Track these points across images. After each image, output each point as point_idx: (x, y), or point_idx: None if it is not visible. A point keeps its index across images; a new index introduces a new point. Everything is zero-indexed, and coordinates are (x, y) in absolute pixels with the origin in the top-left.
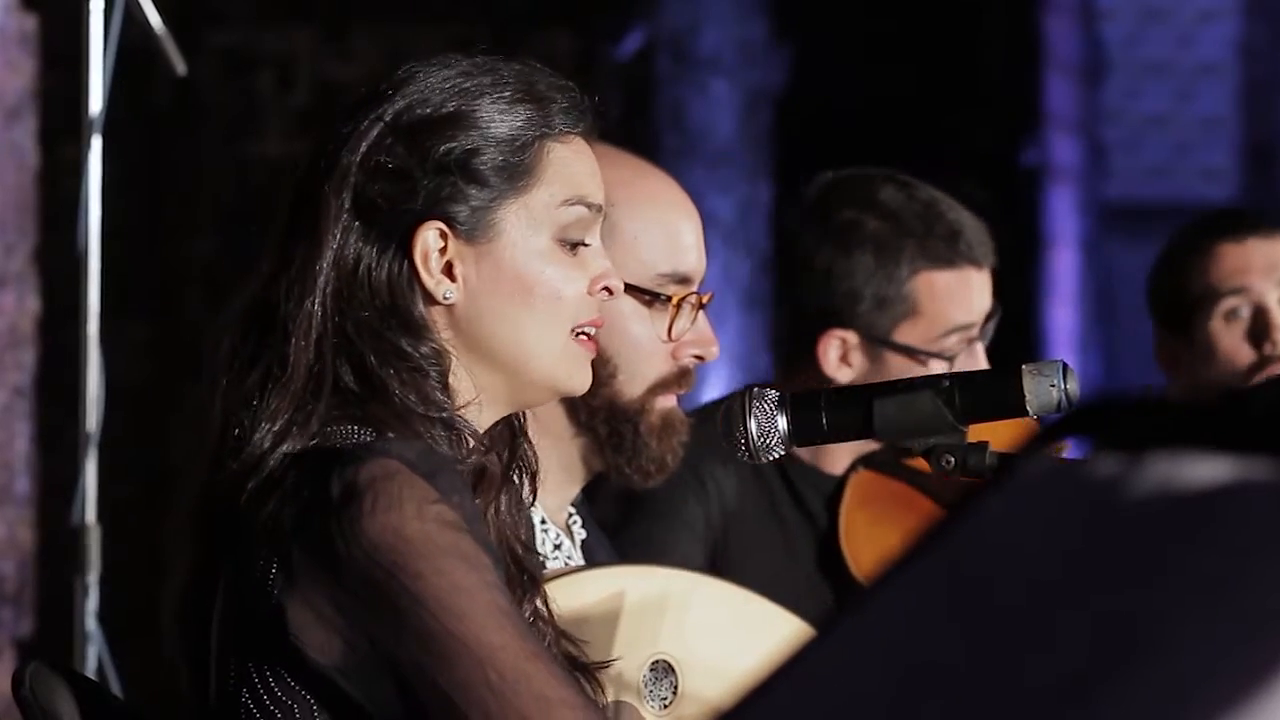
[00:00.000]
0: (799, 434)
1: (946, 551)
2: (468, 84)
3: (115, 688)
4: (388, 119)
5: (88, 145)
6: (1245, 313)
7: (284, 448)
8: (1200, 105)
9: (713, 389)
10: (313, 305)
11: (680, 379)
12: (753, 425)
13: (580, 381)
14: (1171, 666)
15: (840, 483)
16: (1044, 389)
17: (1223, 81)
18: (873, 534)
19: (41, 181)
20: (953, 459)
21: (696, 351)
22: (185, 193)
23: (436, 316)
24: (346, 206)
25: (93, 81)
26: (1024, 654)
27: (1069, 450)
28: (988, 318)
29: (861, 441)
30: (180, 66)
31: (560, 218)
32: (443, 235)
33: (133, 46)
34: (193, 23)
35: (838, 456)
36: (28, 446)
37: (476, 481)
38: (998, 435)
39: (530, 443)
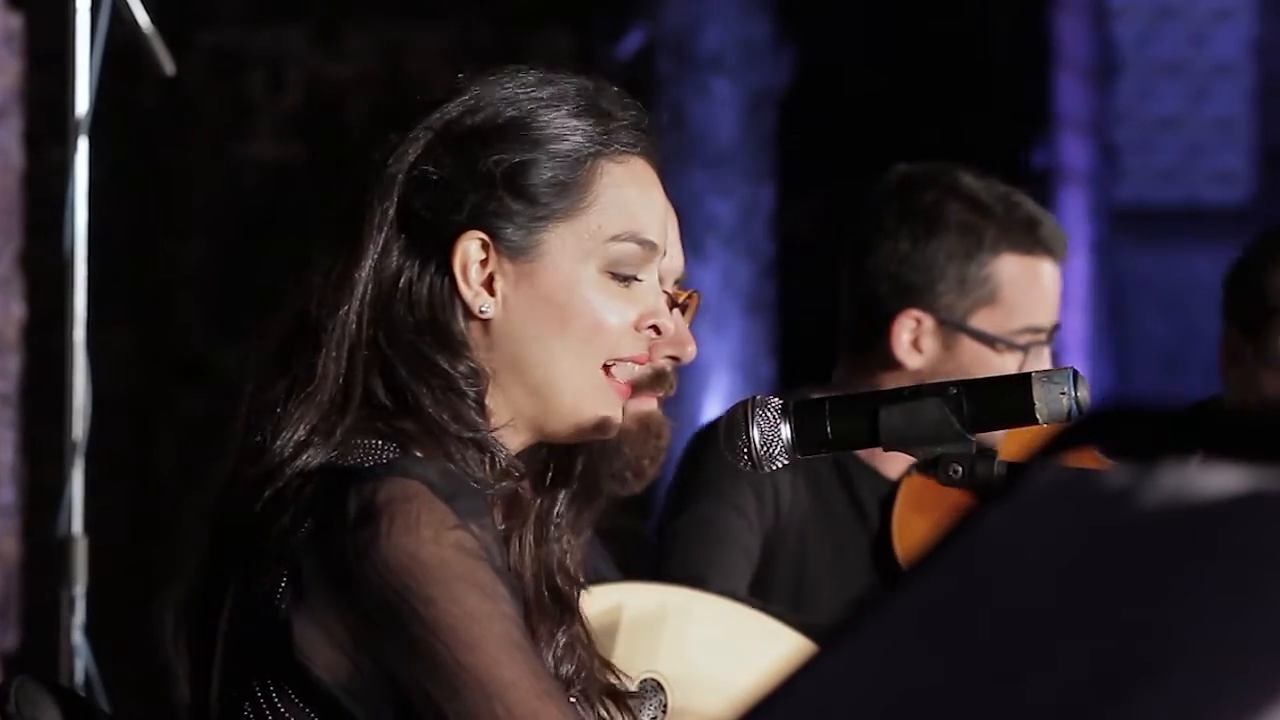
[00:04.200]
0: (803, 443)
1: (951, 563)
2: (523, 95)
3: (103, 702)
4: (437, 128)
5: (74, 147)
6: None
7: (304, 456)
8: (1214, 106)
9: (715, 394)
10: (347, 315)
11: (657, 381)
12: (755, 434)
13: (609, 423)
14: (1182, 680)
15: (895, 486)
16: (1054, 396)
17: (1237, 82)
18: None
19: (27, 184)
20: (960, 468)
21: (671, 352)
22: (174, 195)
23: (474, 332)
24: (390, 216)
25: (79, 82)
26: (1028, 667)
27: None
28: (1055, 325)
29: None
30: (169, 66)
31: (609, 251)
32: (485, 247)
33: (120, 46)
34: (181, 21)
35: (894, 459)
36: (12, 456)
37: (505, 507)
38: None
39: (591, 462)
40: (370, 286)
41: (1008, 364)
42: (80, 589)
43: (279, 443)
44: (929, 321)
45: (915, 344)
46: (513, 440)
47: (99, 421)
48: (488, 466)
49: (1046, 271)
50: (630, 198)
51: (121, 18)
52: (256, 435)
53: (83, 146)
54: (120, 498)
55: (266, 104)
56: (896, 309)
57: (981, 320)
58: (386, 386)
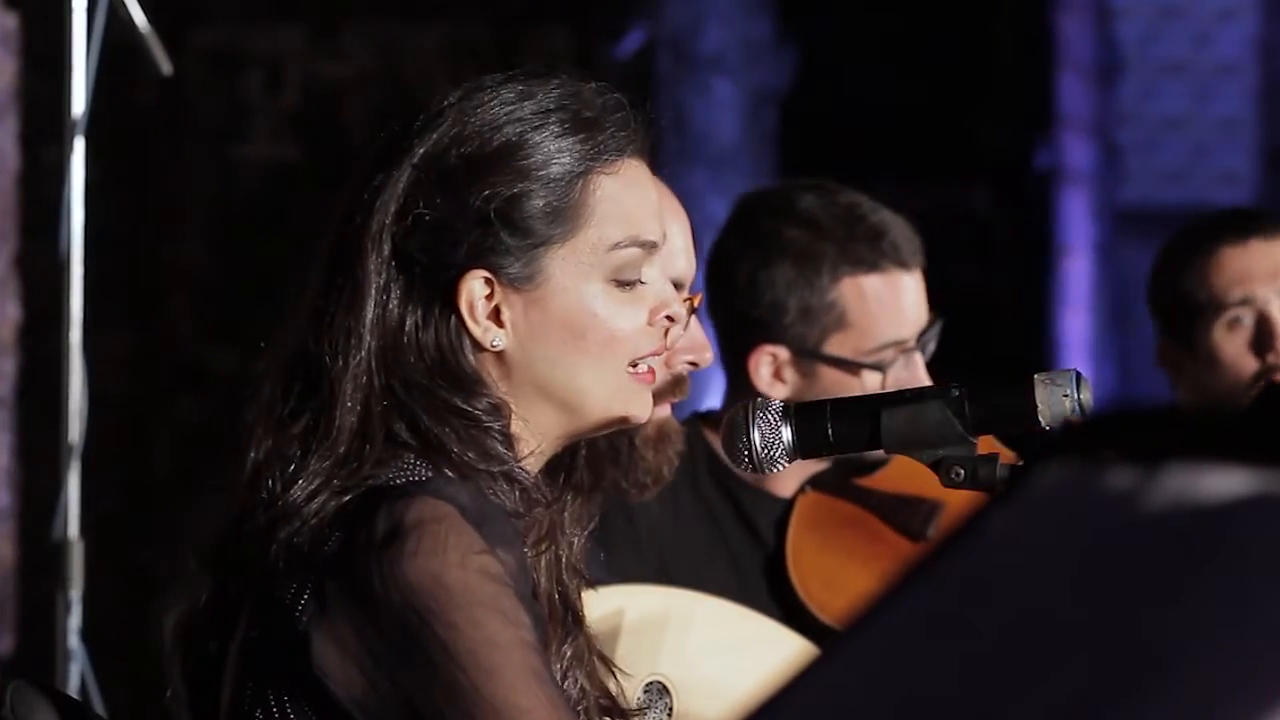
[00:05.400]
0: (804, 445)
1: (953, 566)
2: (505, 117)
3: (98, 706)
4: (422, 164)
5: (70, 147)
6: (1248, 321)
7: (319, 500)
8: (1218, 106)
9: (715, 396)
10: (360, 366)
11: (675, 387)
12: (756, 437)
13: (640, 412)
14: (1189, 682)
15: (789, 505)
16: (1057, 399)
17: (1241, 82)
18: (821, 559)
19: (22, 185)
20: (962, 471)
21: (690, 358)
22: (171, 197)
23: (488, 365)
24: (386, 260)
25: (75, 82)
26: (1033, 670)
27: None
28: (926, 328)
29: (809, 463)
30: (166, 66)
31: (611, 261)
32: (488, 283)
33: (117, 46)
34: (178, 21)
35: (786, 479)
36: (8, 459)
37: (533, 530)
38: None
39: (594, 457)
40: (376, 336)
41: (870, 384)
42: (76, 593)
43: (294, 491)
44: (784, 353)
45: (777, 375)
46: (538, 463)
47: (95, 424)
48: (518, 497)
49: (896, 284)
50: (626, 204)
51: (118, 17)
52: (269, 481)
53: (79, 147)
54: (116, 501)
55: (264, 104)
56: (750, 345)
57: (837, 345)
58: (410, 429)
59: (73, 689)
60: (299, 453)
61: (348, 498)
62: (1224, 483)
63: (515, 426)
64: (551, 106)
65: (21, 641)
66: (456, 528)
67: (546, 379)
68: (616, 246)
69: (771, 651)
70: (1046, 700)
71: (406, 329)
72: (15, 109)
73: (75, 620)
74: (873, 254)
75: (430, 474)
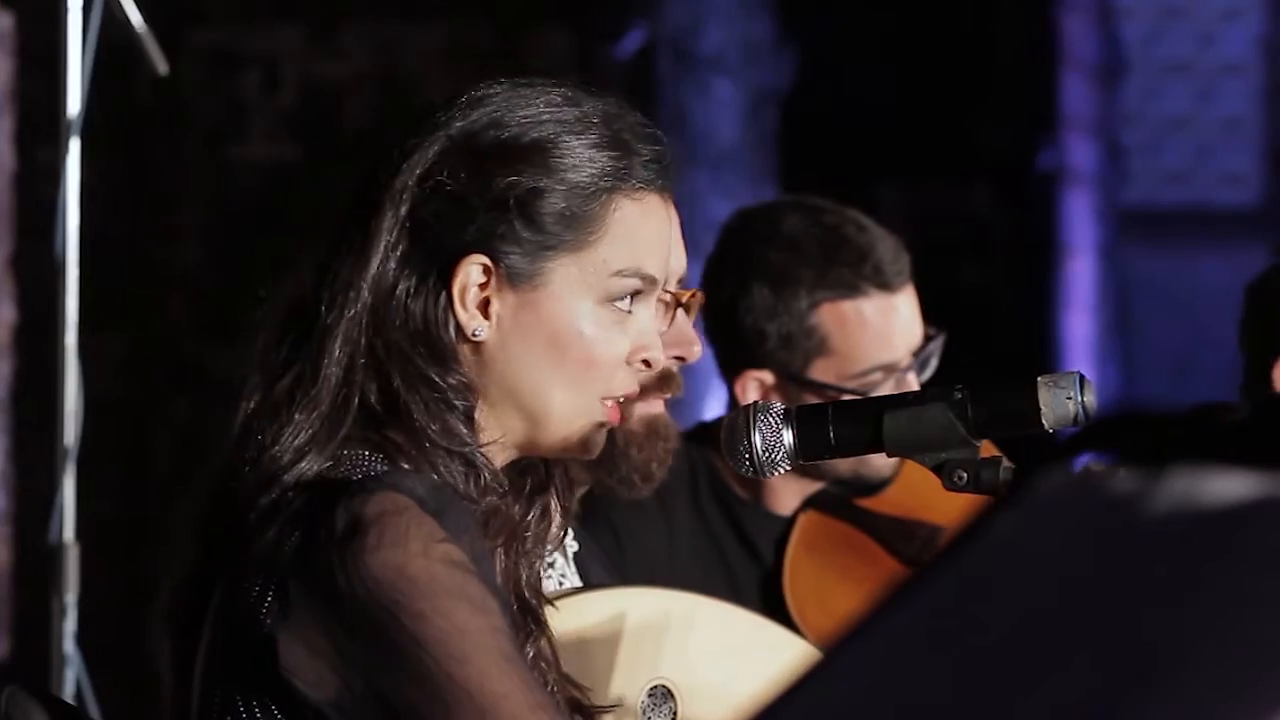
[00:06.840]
0: (805, 448)
1: (958, 568)
2: (548, 116)
3: (94, 712)
4: (456, 136)
5: (66, 148)
6: None
7: (301, 465)
8: (1222, 106)
9: (716, 398)
10: (351, 320)
11: (663, 383)
12: (757, 439)
13: (594, 448)
14: (1193, 687)
15: (790, 523)
16: (1060, 402)
17: (1245, 82)
18: (818, 582)
19: (18, 185)
20: (965, 474)
21: (676, 352)
22: (167, 197)
23: (465, 351)
24: (401, 220)
25: (71, 82)
26: (1036, 673)
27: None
28: (923, 345)
29: (809, 481)
30: (162, 66)
31: (611, 285)
32: (486, 271)
33: (113, 45)
34: (175, 20)
35: (786, 497)
36: (3, 462)
37: (489, 521)
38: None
39: (565, 475)
40: (372, 293)
41: None
42: (72, 597)
43: (279, 447)
44: (770, 378)
45: (767, 399)
46: (499, 456)
47: (91, 426)
48: (473, 482)
49: (879, 307)
50: (640, 235)
51: (114, 17)
52: (258, 435)
53: (75, 148)
54: (113, 504)
55: (262, 104)
56: (737, 369)
57: (821, 370)
58: (380, 393)
59: (68, 694)
60: (285, 405)
61: (313, 476)
62: (1227, 486)
63: (480, 414)
64: (595, 120)
65: (16, 646)
66: (416, 519)
67: (516, 382)
68: (619, 273)
69: (775, 654)
70: (1049, 701)
71: (398, 292)
72: (11, 109)
73: (71, 624)
74: (853, 278)
75: (386, 468)
